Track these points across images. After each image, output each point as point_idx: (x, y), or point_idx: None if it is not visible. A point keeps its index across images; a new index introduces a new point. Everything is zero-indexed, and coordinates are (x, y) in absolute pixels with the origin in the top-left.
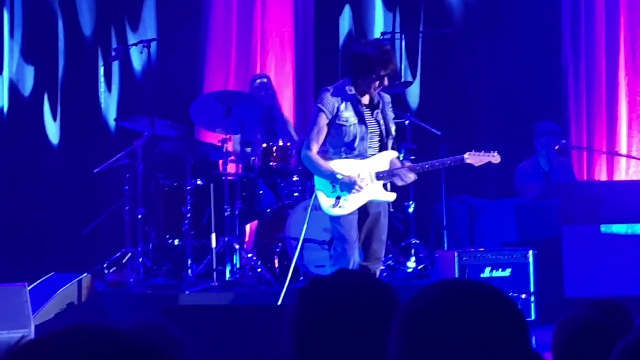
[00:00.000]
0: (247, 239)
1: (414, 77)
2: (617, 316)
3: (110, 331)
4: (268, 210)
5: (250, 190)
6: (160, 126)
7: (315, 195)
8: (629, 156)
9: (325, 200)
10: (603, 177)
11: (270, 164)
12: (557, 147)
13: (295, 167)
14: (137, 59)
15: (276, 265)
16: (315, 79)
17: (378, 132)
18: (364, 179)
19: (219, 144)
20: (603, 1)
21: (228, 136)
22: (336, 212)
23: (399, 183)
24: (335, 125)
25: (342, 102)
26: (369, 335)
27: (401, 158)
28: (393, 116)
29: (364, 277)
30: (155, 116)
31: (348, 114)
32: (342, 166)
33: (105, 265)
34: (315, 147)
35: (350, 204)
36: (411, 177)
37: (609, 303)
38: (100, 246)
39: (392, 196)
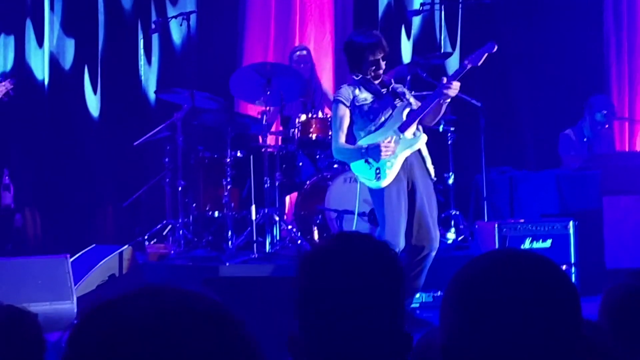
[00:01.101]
0: (286, 210)
1: (453, 48)
2: None
3: (183, 292)
4: (307, 182)
5: (290, 162)
6: (200, 99)
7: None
8: None
9: (367, 179)
10: None
11: (310, 135)
12: (603, 112)
13: None
14: (177, 31)
15: (316, 237)
16: None
17: (398, 102)
18: (388, 139)
19: (259, 117)
20: None
21: (268, 108)
22: (382, 183)
23: (447, 99)
24: (357, 108)
25: (355, 88)
26: (372, 300)
27: (441, 130)
28: (411, 94)
29: (364, 243)
30: (195, 89)
31: (365, 95)
32: (369, 142)
33: (146, 237)
34: (342, 137)
35: (389, 171)
36: (456, 84)
37: None
38: (141, 218)
39: (422, 139)
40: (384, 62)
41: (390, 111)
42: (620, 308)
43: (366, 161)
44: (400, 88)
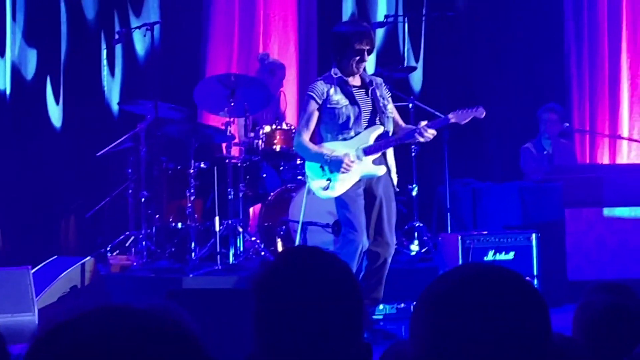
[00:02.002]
0: (250, 222)
1: (417, 60)
2: (627, 298)
3: (140, 312)
4: (271, 194)
5: (254, 174)
6: (164, 109)
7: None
8: (630, 139)
9: (316, 184)
10: (605, 160)
11: (274, 147)
12: (560, 131)
13: None
14: (140, 42)
15: (279, 248)
16: (318, 62)
17: (371, 110)
18: (351, 157)
19: (223, 127)
20: None
21: (232, 119)
22: (327, 194)
23: (421, 139)
24: (327, 109)
25: (331, 87)
26: (329, 315)
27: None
28: (389, 95)
29: (313, 257)
30: (158, 99)
31: (338, 97)
32: (331, 149)
33: (108, 249)
34: (306, 134)
35: (340, 184)
36: (431, 131)
37: (618, 285)
38: (103, 229)
39: (381, 170)
40: (369, 55)
41: (362, 125)
42: (597, 323)
43: (322, 167)
44: (380, 85)
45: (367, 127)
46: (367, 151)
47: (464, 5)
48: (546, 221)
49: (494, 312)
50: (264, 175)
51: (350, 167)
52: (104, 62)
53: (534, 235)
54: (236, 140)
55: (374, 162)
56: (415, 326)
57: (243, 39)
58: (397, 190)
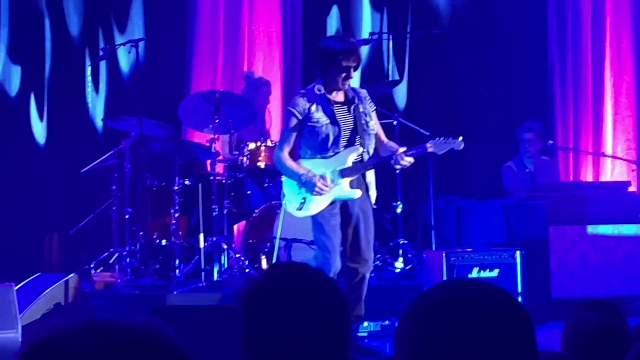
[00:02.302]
0: (235, 239)
1: (401, 77)
2: (613, 316)
3: (121, 326)
4: (256, 211)
5: (239, 190)
6: (148, 126)
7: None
8: (614, 157)
9: (291, 201)
10: (589, 178)
11: (258, 164)
12: (540, 148)
13: None
14: (125, 59)
15: (264, 265)
16: (303, 79)
17: (352, 129)
18: (327, 179)
19: (207, 144)
20: (589, 3)
21: (216, 136)
22: (301, 213)
23: (398, 167)
24: (308, 126)
25: (312, 104)
26: (315, 331)
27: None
28: (373, 109)
29: (300, 273)
30: (143, 116)
31: (319, 115)
32: (310, 167)
33: (92, 265)
34: (286, 149)
35: (314, 205)
36: (408, 159)
37: (604, 303)
38: (88, 246)
39: (356, 193)
40: (355, 72)
41: (340, 145)
42: (587, 340)
43: (299, 185)
44: (364, 98)
45: (346, 147)
46: (344, 173)
47: (449, 23)
48: (530, 239)
49: (478, 327)
50: (249, 192)
51: (324, 191)
52: (89, 78)
53: (518, 253)
54: (220, 157)
55: (350, 184)
56: (400, 342)
57: (228, 55)
58: (375, 206)
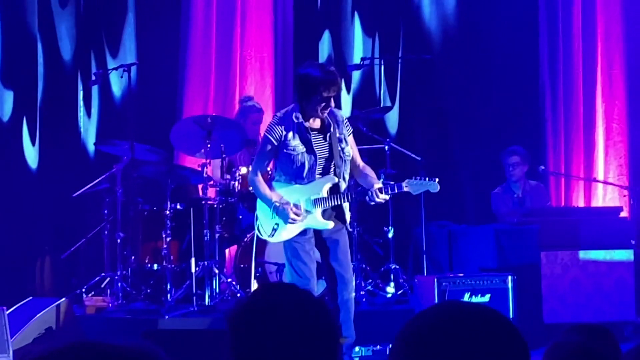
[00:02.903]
0: (226, 263)
1: (393, 102)
2: (603, 340)
3: (109, 347)
4: (247, 235)
5: (230, 215)
6: (140, 150)
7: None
8: (606, 182)
9: (264, 227)
10: (581, 203)
11: (250, 188)
12: (541, 168)
13: None
14: (117, 83)
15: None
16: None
17: (327, 157)
18: (300, 207)
19: (199, 169)
20: (580, 28)
21: (208, 161)
22: (272, 239)
23: (372, 203)
24: (284, 153)
25: (289, 131)
26: (306, 351)
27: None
28: (350, 132)
29: (288, 294)
30: (135, 140)
31: (295, 143)
32: (284, 193)
33: (84, 290)
34: (259, 173)
35: (286, 232)
36: (383, 196)
37: (594, 327)
38: (79, 270)
39: (328, 224)
40: (334, 100)
41: (315, 174)
42: None
43: (272, 211)
44: (341, 122)
45: (320, 175)
46: (317, 203)
47: (440, 48)
48: (522, 264)
49: (472, 350)
50: (240, 216)
51: (297, 220)
52: (81, 102)
53: (509, 278)
54: (212, 182)
55: (323, 214)
56: None
57: (220, 80)
58: (350, 230)
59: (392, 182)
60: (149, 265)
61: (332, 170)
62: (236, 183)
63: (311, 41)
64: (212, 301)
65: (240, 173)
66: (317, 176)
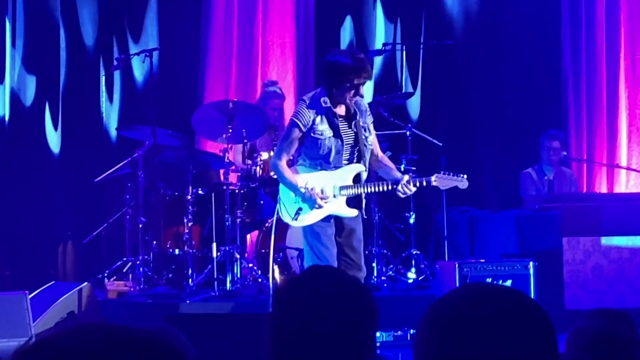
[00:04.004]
0: (247, 248)
1: (414, 88)
2: (622, 325)
3: (119, 328)
4: (269, 221)
5: (251, 200)
6: (162, 135)
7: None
8: (629, 168)
9: (286, 211)
10: (603, 189)
11: (271, 174)
12: (563, 154)
13: None
14: (139, 68)
15: (276, 275)
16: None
17: (352, 144)
18: (326, 194)
19: (221, 154)
20: (603, 14)
21: (229, 146)
22: (295, 224)
23: (401, 195)
24: (311, 137)
25: (317, 115)
26: (345, 334)
27: (402, 168)
28: (372, 121)
29: (337, 275)
30: (156, 126)
31: (323, 127)
32: (309, 178)
33: (106, 274)
34: (285, 158)
35: (309, 217)
36: (412, 188)
37: (614, 312)
38: (101, 255)
39: (353, 212)
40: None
41: (342, 159)
42: (587, 348)
43: (295, 196)
44: (364, 112)
45: (347, 161)
46: (344, 191)
47: (462, 34)
48: (544, 250)
49: (499, 332)
50: (261, 202)
51: (322, 207)
52: (103, 88)
53: (531, 264)
54: (234, 167)
55: (348, 202)
56: (419, 348)
57: (241, 66)
58: (365, 217)
59: (414, 175)
60: (171, 250)
61: (357, 157)
62: (257, 168)
63: (333, 27)
64: (233, 286)
65: (262, 158)
66: (344, 162)
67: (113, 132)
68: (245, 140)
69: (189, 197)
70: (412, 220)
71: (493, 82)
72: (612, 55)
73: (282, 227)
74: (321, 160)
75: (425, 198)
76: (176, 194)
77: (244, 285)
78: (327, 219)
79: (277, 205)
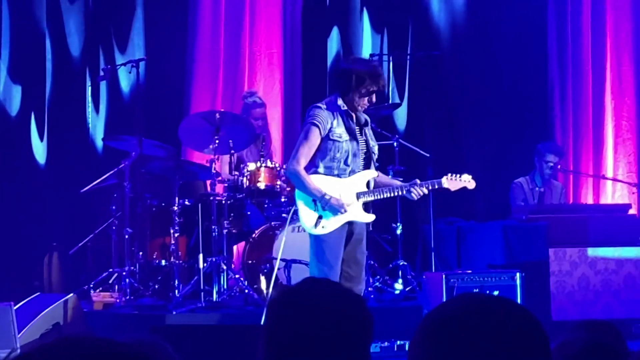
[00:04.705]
0: (234, 259)
1: (401, 99)
2: (610, 336)
3: (99, 341)
4: (256, 231)
5: (238, 211)
6: (148, 146)
7: (295, 211)
8: (615, 179)
9: (306, 219)
10: (589, 200)
11: (258, 184)
12: (558, 167)
13: (283, 188)
14: (125, 79)
15: (263, 286)
16: (303, 100)
17: (365, 150)
18: (347, 200)
19: (207, 165)
20: (589, 25)
21: (216, 156)
22: (317, 231)
23: (415, 198)
24: (329, 141)
25: (334, 118)
26: (340, 345)
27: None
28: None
29: (332, 287)
30: (143, 136)
31: (340, 130)
32: (323, 183)
33: (91, 285)
34: (303, 163)
35: (331, 223)
36: (425, 190)
37: (600, 323)
38: (87, 266)
39: (370, 217)
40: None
41: (359, 164)
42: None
43: (314, 202)
44: (369, 125)
45: (363, 167)
46: (361, 197)
47: (449, 45)
48: (530, 261)
49: (495, 342)
50: (248, 212)
51: (347, 212)
52: (89, 98)
53: (518, 275)
54: (220, 178)
55: (364, 208)
56: (415, 356)
57: (228, 76)
58: (371, 229)
59: (414, 182)
60: (157, 261)
61: (372, 163)
62: (244, 179)
63: (320, 37)
64: (220, 297)
65: (249, 169)
66: (359, 168)
67: (99, 143)
68: (232, 151)
69: (176, 208)
70: (399, 231)
71: (480, 93)
72: (598, 66)
73: (269, 238)
74: (338, 165)
75: (412, 209)
76: (163, 204)
77: (231, 297)
78: (343, 229)
79: (295, 212)
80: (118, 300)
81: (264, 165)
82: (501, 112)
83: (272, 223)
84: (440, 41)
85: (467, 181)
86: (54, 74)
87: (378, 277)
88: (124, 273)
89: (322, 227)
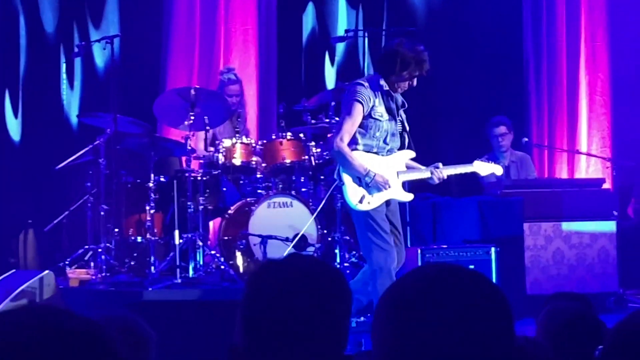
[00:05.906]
0: (210, 236)
1: None
2: (588, 308)
3: (59, 314)
4: (231, 208)
5: (214, 187)
6: (123, 123)
7: (334, 189)
8: (589, 154)
9: (352, 195)
10: (564, 175)
11: (234, 161)
12: (524, 140)
13: (259, 164)
14: (100, 55)
15: (239, 262)
16: (278, 76)
17: (401, 131)
18: (389, 177)
19: (183, 141)
20: (564, 1)
21: (192, 133)
22: (363, 207)
23: (436, 181)
24: (370, 119)
25: (376, 97)
26: (318, 320)
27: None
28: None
29: (315, 262)
30: (118, 113)
31: (381, 109)
32: (367, 160)
33: (67, 262)
34: (347, 140)
35: (375, 200)
36: (444, 174)
37: (577, 295)
38: (62, 243)
39: (410, 196)
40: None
41: (397, 143)
42: (563, 328)
43: (359, 179)
44: (405, 104)
45: (400, 147)
46: (401, 176)
47: (424, 21)
48: (505, 235)
49: (455, 312)
50: (224, 189)
51: (391, 188)
52: (63, 75)
53: (493, 249)
54: (196, 154)
55: (403, 187)
56: (376, 331)
57: (204, 52)
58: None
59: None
60: (133, 238)
61: (408, 143)
62: (220, 155)
63: (295, 13)
64: (196, 273)
65: (224, 145)
66: (398, 144)
67: (74, 120)
68: (208, 128)
69: (151, 185)
70: None
71: (455, 69)
72: (572, 42)
73: (245, 214)
74: (378, 143)
75: None
76: (138, 181)
77: (207, 273)
78: (386, 204)
79: (342, 186)
80: (94, 277)
81: (239, 141)
82: (476, 87)
83: (248, 199)
84: (415, 17)
85: (496, 167)
86: (28, 50)
87: (354, 252)
88: (100, 250)
89: (368, 202)
